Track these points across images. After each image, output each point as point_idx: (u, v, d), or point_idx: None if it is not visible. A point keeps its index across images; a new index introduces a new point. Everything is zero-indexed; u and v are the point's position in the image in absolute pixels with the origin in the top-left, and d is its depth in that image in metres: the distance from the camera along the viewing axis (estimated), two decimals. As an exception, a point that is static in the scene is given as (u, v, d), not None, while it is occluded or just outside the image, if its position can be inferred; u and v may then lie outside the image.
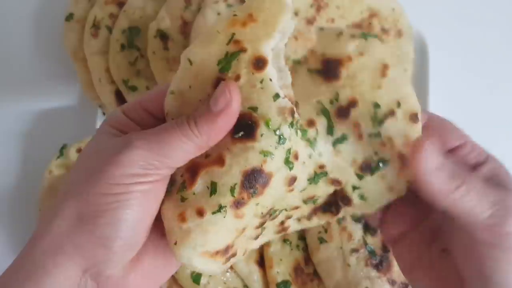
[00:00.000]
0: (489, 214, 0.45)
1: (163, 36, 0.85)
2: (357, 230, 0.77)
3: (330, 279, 0.76)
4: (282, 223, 0.51)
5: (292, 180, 0.44)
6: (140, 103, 0.48)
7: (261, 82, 0.41)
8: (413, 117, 0.47)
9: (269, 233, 0.52)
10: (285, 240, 0.78)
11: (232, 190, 0.42)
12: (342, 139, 0.47)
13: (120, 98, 0.85)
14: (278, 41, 0.43)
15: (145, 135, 0.43)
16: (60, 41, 0.90)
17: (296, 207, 0.50)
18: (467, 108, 0.90)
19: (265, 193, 0.42)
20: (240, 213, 0.42)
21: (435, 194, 0.45)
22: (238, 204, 0.42)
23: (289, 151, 0.42)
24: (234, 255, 0.46)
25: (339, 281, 0.76)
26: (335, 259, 0.77)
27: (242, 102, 0.42)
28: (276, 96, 0.41)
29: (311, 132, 0.46)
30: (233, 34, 0.42)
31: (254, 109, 0.41)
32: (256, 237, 0.49)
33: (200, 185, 0.43)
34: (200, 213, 0.43)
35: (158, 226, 0.46)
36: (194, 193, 0.43)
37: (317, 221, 0.52)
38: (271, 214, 0.47)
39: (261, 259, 0.78)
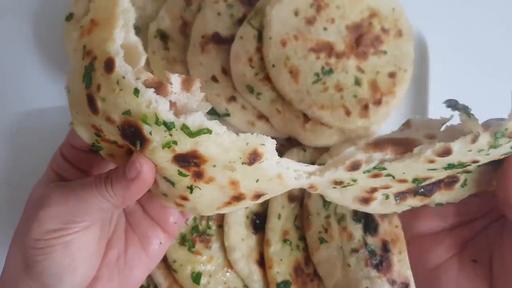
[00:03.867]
0: None
1: (163, 36, 0.85)
2: (357, 230, 0.77)
3: (330, 279, 0.76)
4: (373, 190, 0.50)
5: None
6: (68, 140, 0.52)
7: (117, 83, 0.40)
8: None
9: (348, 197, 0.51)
10: (285, 240, 0.78)
11: (180, 173, 0.44)
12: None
13: (120, 98, 0.85)
14: (125, 34, 0.42)
15: (63, 191, 0.47)
16: (60, 41, 0.90)
17: (404, 180, 0.49)
18: (467, 108, 0.90)
19: (208, 158, 0.43)
20: (207, 179, 0.45)
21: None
22: (197, 175, 0.44)
23: (184, 126, 0.40)
24: (260, 195, 0.48)
25: (339, 281, 0.76)
26: (335, 259, 0.77)
27: (114, 110, 0.41)
28: (136, 91, 0.39)
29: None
30: (84, 46, 0.41)
31: (128, 113, 0.40)
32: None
33: (161, 183, 0.48)
34: (185, 198, 0.47)
35: (109, 251, 0.53)
36: (163, 192, 0.49)
37: (404, 206, 0.52)
38: None
39: (262, 259, 0.78)
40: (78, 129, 0.46)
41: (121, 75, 0.39)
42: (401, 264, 0.75)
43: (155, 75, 0.88)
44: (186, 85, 0.43)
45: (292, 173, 0.46)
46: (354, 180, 0.49)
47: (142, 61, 0.44)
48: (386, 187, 0.50)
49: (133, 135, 0.41)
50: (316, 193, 0.80)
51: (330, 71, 0.82)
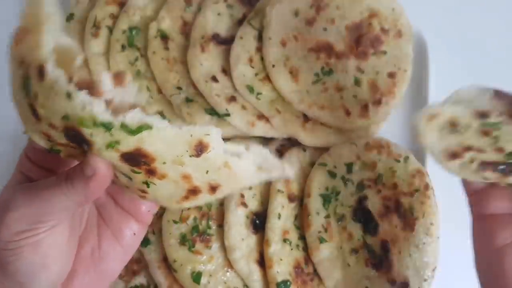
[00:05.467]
0: None
1: (163, 36, 0.85)
2: (357, 230, 0.77)
3: (330, 279, 0.77)
4: (467, 149, 0.51)
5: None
6: (30, 142, 0.53)
7: (51, 88, 0.39)
8: None
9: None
10: (285, 240, 0.79)
11: (134, 171, 0.44)
12: None
13: (120, 98, 0.85)
14: (56, 38, 0.41)
15: (28, 192, 0.47)
16: (60, 41, 0.90)
17: (501, 149, 0.50)
18: (467, 108, 0.90)
19: (156, 156, 0.42)
20: (159, 175, 0.45)
21: None
22: (149, 172, 0.44)
23: (123, 124, 0.40)
24: (214, 188, 0.48)
25: (339, 281, 0.76)
26: (335, 259, 0.77)
27: (54, 116, 0.40)
28: (68, 94, 0.38)
29: None
30: (18, 55, 0.41)
31: (66, 117, 0.40)
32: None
33: (121, 177, 0.47)
34: (144, 191, 0.48)
35: (83, 246, 0.53)
36: (125, 185, 0.49)
37: (479, 177, 0.54)
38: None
39: (262, 258, 0.78)
40: (33, 137, 0.47)
41: (53, 80, 0.39)
42: (401, 264, 0.75)
43: (155, 75, 0.89)
44: (118, 80, 0.43)
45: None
46: (467, 127, 0.49)
47: (78, 61, 0.42)
48: (480, 151, 0.50)
49: (76, 139, 0.41)
50: (316, 193, 0.80)
51: (330, 71, 0.82)
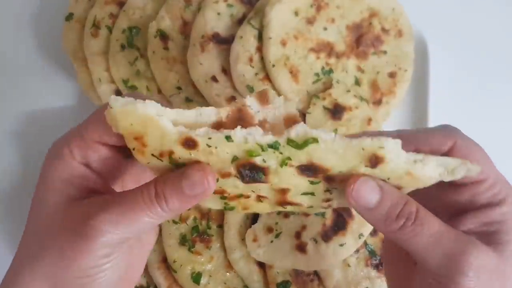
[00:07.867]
0: (438, 264, 0.42)
1: (163, 36, 0.85)
2: (357, 230, 0.77)
3: (330, 279, 0.76)
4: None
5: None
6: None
7: (209, 146, 0.41)
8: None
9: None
10: (285, 240, 0.78)
11: (312, 183, 0.45)
12: None
13: (120, 98, 0.85)
14: (169, 117, 0.42)
15: (111, 215, 0.42)
16: (60, 41, 0.90)
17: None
18: (467, 108, 0.90)
19: (329, 167, 0.42)
20: (339, 181, 0.44)
21: (378, 230, 0.45)
22: (328, 180, 0.44)
23: (289, 140, 0.40)
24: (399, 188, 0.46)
25: (339, 281, 0.76)
26: (335, 259, 0.77)
27: (225, 165, 0.42)
28: (227, 137, 0.40)
29: None
30: (152, 154, 0.42)
31: (235, 158, 0.41)
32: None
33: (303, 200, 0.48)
34: (329, 199, 0.48)
35: None
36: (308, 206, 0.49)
37: None
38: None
39: (261, 259, 0.78)
40: (207, 203, 0.48)
41: (205, 139, 0.40)
42: (401, 264, 0.75)
43: (155, 75, 0.88)
44: (263, 99, 0.43)
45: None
46: None
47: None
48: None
49: (251, 173, 0.42)
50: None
51: (330, 71, 0.82)
